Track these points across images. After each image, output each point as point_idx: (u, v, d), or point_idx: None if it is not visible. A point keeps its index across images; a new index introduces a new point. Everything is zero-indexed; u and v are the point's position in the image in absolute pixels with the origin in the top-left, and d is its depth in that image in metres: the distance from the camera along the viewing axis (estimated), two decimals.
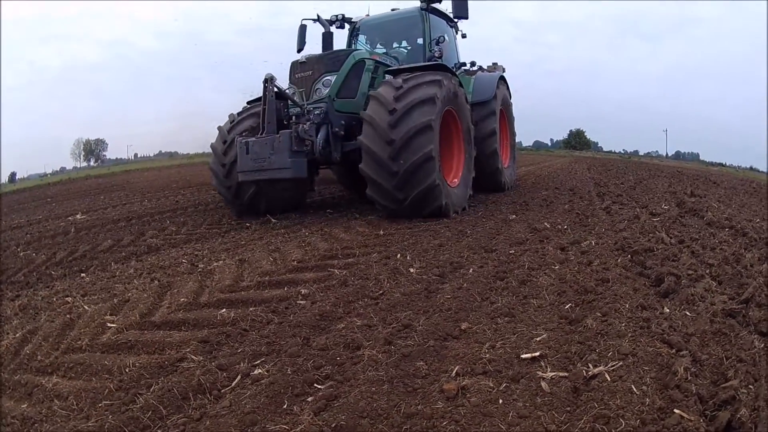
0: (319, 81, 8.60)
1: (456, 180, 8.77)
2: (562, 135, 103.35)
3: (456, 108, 8.74)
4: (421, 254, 5.49)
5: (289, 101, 8.58)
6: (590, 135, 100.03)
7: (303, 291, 4.40)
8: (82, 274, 5.90)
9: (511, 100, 13.18)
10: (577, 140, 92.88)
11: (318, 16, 10.17)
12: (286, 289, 4.53)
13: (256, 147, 7.82)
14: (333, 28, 10.75)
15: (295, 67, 8.97)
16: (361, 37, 10.88)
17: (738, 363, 2.59)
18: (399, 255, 5.44)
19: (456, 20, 11.36)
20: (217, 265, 5.55)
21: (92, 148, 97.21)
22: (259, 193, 8.68)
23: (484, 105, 11.05)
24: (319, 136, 8.14)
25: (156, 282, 5.09)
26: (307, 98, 8.58)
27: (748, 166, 62.76)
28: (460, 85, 9.15)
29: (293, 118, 8.39)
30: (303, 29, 10.24)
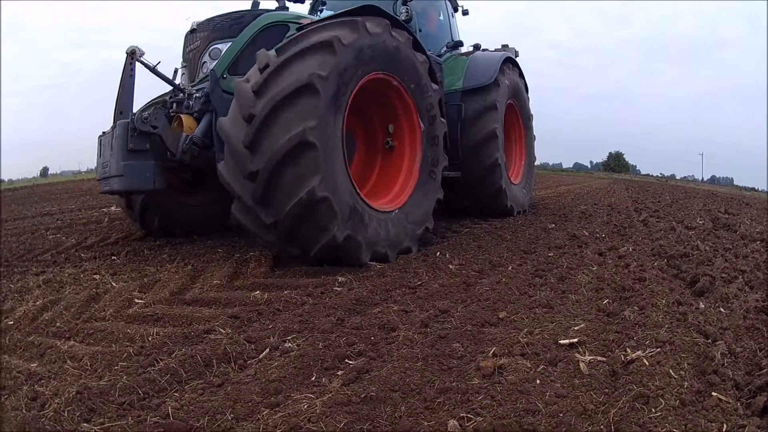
0: (205, 52, 5.88)
1: (400, 199, 5.68)
2: (601, 157, 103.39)
3: (394, 71, 5.49)
4: (461, 253, 5.48)
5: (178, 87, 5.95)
6: (629, 158, 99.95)
7: (340, 279, 4.37)
8: (113, 257, 5.84)
9: (528, 95, 9.98)
10: (616, 162, 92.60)
11: None
12: (323, 277, 4.48)
13: (103, 146, 5.56)
14: (290, 3, 7.61)
15: (186, 38, 6.23)
16: (327, 13, 7.67)
17: None
18: (438, 253, 5.42)
19: None
20: (254, 255, 5.52)
21: None
22: (165, 218, 6.79)
23: (479, 94, 7.92)
24: (198, 129, 5.45)
25: (190, 266, 5.08)
26: (193, 78, 6.00)
27: None
28: (399, 26, 5.66)
29: (173, 106, 5.83)
30: (255, 6, 6.78)
